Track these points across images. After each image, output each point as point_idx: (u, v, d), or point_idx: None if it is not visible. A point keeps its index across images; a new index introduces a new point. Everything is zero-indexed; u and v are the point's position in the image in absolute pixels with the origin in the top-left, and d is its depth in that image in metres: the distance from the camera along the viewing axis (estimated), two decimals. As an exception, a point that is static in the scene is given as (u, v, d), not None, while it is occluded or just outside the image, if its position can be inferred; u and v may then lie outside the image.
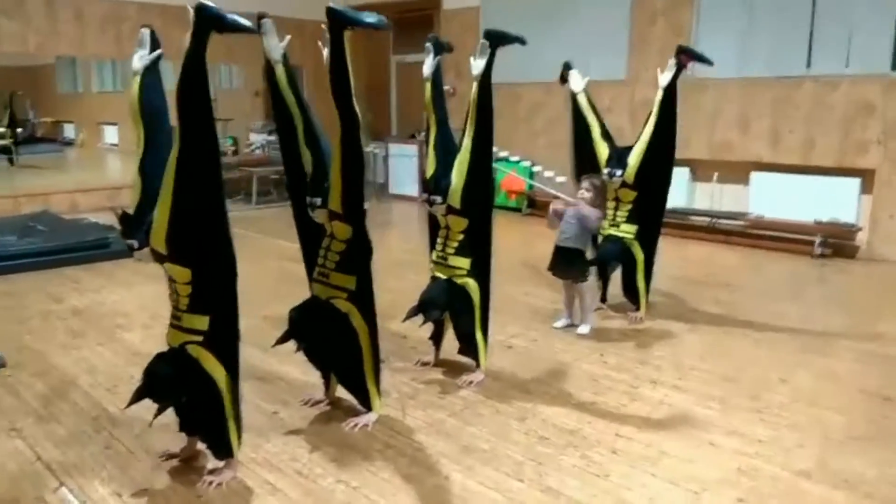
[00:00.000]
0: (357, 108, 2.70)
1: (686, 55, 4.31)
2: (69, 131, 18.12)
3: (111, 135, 16.64)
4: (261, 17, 2.76)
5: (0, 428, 2.92)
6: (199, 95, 2.24)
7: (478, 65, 3.21)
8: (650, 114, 4.27)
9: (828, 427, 2.98)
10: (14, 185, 9.40)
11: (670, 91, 4.23)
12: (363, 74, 10.72)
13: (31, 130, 16.47)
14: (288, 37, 2.83)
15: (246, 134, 11.05)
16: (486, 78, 3.21)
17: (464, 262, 3.28)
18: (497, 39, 3.24)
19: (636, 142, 4.27)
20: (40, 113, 17.72)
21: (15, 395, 3.25)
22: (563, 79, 4.56)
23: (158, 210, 2.31)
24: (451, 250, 3.28)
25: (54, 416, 3.04)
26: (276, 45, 2.80)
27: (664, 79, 4.24)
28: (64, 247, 5.71)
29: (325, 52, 2.71)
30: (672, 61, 4.26)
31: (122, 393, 3.07)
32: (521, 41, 3.33)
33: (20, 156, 12.43)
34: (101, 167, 13.79)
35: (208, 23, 2.19)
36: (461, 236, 3.27)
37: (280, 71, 2.83)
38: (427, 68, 3.32)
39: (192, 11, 2.18)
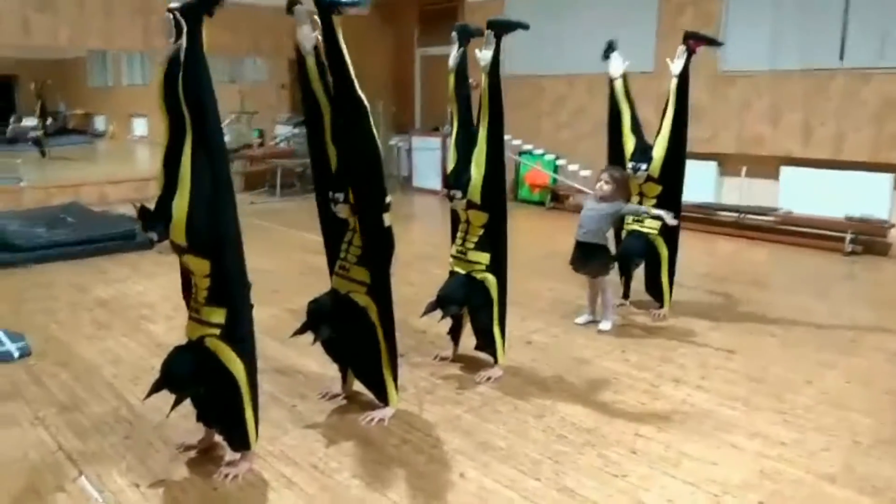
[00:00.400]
0: (361, 94, 2.65)
1: (695, 40, 4.23)
2: (99, 123, 18.42)
3: (140, 127, 16.89)
4: (293, 2, 2.71)
5: (24, 417, 2.97)
6: (203, 87, 2.26)
7: (485, 56, 3.17)
8: (667, 104, 4.20)
9: (854, 430, 2.90)
10: (45, 176, 9.57)
11: (683, 79, 4.16)
12: (388, 67, 10.72)
13: (62, 122, 16.76)
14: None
15: (272, 126, 11.12)
16: (494, 68, 3.17)
17: (483, 257, 3.25)
18: (501, 28, 3.21)
19: (657, 134, 4.20)
20: (72, 105, 18.03)
21: (39, 384, 3.31)
22: (606, 56, 4.48)
23: (177, 202, 2.32)
24: (470, 245, 3.25)
25: (77, 406, 3.08)
26: (308, 35, 2.71)
27: (676, 67, 4.17)
28: (91, 238, 5.80)
29: (317, 35, 2.69)
30: (681, 48, 4.18)
31: (144, 384, 3.07)
32: (524, 27, 3.28)
33: (51, 147, 12.64)
34: (130, 159, 13.98)
35: (196, 11, 2.23)
36: (481, 231, 3.24)
37: (311, 63, 2.74)
38: (452, 60, 3.29)
39: (175, 16, 2.23)
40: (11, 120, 14.82)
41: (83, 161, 12.22)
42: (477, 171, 3.16)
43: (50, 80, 15.48)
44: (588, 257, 4.01)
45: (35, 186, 8.41)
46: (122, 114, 17.23)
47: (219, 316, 2.41)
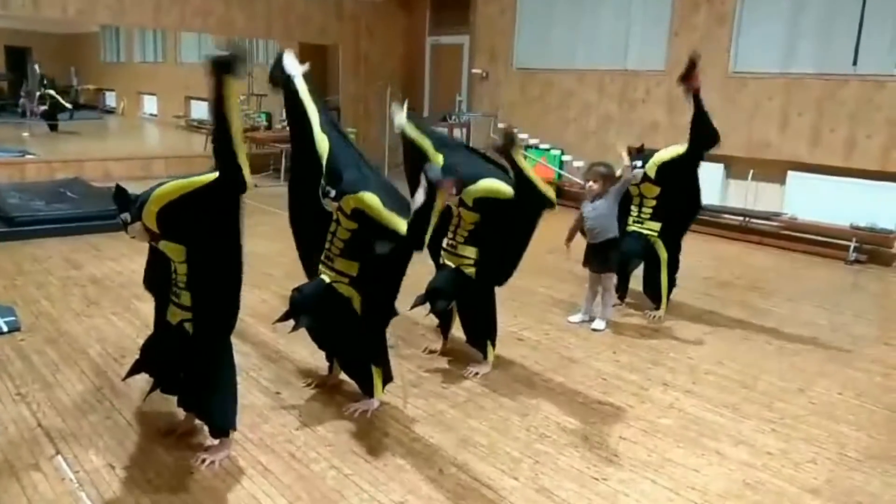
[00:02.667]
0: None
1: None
2: (110, 99, 18.41)
3: (150, 105, 16.87)
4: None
5: (6, 392, 2.96)
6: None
7: None
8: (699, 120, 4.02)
9: (844, 443, 2.85)
10: (51, 150, 9.57)
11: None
12: (398, 54, 10.67)
13: (73, 97, 16.73)
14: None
15: (280, 110, 11.07)
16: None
17: (472, 251, 3.21)
18: None
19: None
20: (84, 80, 17.99)
21: (25, 359, 3.29)
22: None
23: (161, 189, 2.33)
24: (461, 239, 3.21)
25: (60, 383, 3.06)
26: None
27: None
28: (88, 214, 5.78)
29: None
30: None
31: (129, 363, 3.06)
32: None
33: (61, 122, 12.63)
34: (137, 136, 13.96)
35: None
36: (472, 227, 3.19)
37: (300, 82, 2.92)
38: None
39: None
40: (23, 93, 14.79)
41: (91, 137, 12.21)
42: (486, 190, 3.11)
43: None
44: (605, 255, 3.98)
45: (39, 160, 8.41)
46: (133, 91, 17.23)
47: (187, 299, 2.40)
